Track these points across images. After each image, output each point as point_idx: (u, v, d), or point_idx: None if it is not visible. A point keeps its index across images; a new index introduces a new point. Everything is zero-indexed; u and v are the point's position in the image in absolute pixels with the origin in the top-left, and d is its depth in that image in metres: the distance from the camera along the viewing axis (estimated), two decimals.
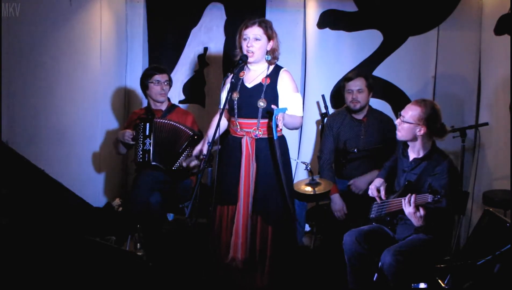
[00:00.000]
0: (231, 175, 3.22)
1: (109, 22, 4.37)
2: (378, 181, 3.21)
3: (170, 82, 3.95)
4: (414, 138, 3.03)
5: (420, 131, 2.98)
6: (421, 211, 2.81)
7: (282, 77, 3.20)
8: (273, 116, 3.00)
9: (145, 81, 3.89)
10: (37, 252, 2.55)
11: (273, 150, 3.14)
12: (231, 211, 3.21)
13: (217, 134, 3.05)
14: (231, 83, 3.20)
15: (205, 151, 3.25)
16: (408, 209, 2.83)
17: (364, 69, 4.22)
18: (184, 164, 3.73)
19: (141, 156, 3.75)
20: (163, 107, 3.97)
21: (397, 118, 3.09)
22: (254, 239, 3.18)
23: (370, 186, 3.19)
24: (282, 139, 3.27)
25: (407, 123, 2.99)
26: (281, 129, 3.21)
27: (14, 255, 2.53)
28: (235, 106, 3.20)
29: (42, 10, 3.54)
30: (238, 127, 3.22)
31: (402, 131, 3.03)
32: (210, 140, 3.08)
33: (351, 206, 3.83)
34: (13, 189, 2.79)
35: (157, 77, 3.86)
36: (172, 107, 4.00)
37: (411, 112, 2.99)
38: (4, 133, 3.14)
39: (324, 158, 3.97)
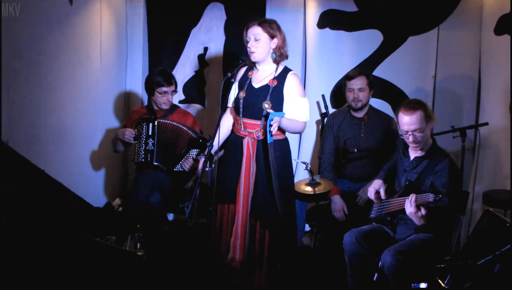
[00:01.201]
0: (231, 175, 3.21)
1: (109, 22, 4.37)
2: (377, 183, 3.19)
3: (176, 90, 3.96)
4: (429, 138, 3.03)
5: (431, 127, 2.99)
6: (422, 211, 2.81)
7: (289, 81, 3.18)
8: (268, 119, 3.00)
9: (152, 86, 3.88)
10: (37, 252, 2.55)
11: (266, 150, 3.13)
12: (231, 210, 3.21)
13: (217, 137, 3.04)
14: (240, 82, 3.20)
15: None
16: (409, 209, 2.82)
17: (364, 68, 4.22)
18: (186, 167, 3.73)
19: (143, 156, 3.75)
20: None
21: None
22: (252, 240, 3.18)
23: (369, 189, 3.18)
24: (285, 142, 3.26)
25: (423, 132, 2.96)
26: (281, 133, 3.21)
27: (14, 255, 2.53)
28: (241, 105, 3.20)
29: (42, 10, 3.53)
30: (242, 126, 3.22)
31: (422, 141, 3.00)
32: (211, 142, 3.08)
33: (351, 206, 3.83)
34: (13, 189, 2.79)
35: (165, 88, 3.86)
36: (173, 107, 4.00)
37: (418, 120, 2.93)
38: (4, 133, 3.13)
39: (325, 158, 3.97)
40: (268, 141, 3.07)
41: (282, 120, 3.07)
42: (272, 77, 3.18)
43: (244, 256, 3.16)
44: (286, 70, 3.22)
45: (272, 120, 3.00)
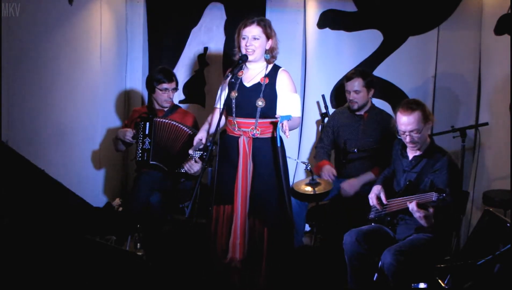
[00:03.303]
0: (228, 175, 3.21)
1: (109, 22, 4.37)
2: (377, 189, 3.17)
3: (177, 87, 3.97)
4: (427, 138, 3.03)
5: (429, 127, 2.99)
6: (430, 210, 2.80)
7: (281, 77, 3.19)
8: (278, 124, 3.00)
9: (152, 83, 3.89)
10: (38, 252, 2.55)
11: (276, 153, 3.15)
12: (227, 210, 3.21)
13: (216, 134, 3.06)
14: (231, 82, 3.20)
15: (204, 140, 3.28)
16: (417, 214, 2.81)
17: (364, 68, 4.22)
18: (186, 168, 3.72)
19: (140, 155, 3.76)
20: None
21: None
22: (251, 239, 3.18)
23: (370, 195, 3.16)
24: (281, 140, 3.26)
25: (420, 133, 2.97)
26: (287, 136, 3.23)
27: (15, 255, 2.53)
28: (233, 105, 3.20)
29: (42, 10, 3.53)
30: (236, 126, 3.22)
31: (420, 141, 3.01)
32: (210, 139, 3.09)
33: (351, 207, 3.82)
34: (13, 189, 2.79)
35: (165, 85, 3.87)
36: (174, 107, 4.01)
37: (415, 120, 2.94)
38: (4, 133, 3.13)
39: (321, 145, 4.03)
40: (278, 145, 3.09)
41: (288, 122, 3.07)
42: (263, 75, 3.20)
43: (244, 255, 3.16)
44: (276, 67, 3.24)
45: (282, 124, 3.00)
